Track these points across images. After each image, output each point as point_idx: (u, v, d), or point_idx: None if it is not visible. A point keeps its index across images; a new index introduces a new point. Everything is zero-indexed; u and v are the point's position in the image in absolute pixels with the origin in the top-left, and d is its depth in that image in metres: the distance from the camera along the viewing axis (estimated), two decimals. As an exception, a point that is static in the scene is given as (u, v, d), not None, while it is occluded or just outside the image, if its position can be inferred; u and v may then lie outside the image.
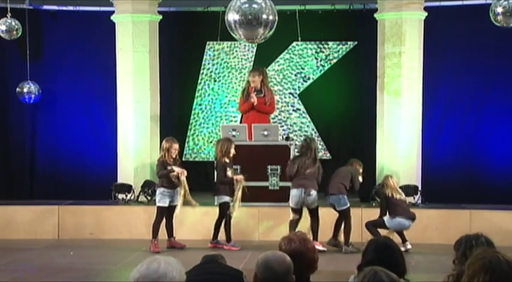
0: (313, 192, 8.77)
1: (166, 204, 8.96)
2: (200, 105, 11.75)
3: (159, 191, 9.01)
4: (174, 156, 9.07)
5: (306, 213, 8.91)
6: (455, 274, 3.93)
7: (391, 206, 8.92)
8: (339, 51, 11.52)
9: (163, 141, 9.17)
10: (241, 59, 11.65)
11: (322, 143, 11.52)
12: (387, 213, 8.94)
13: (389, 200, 8.93)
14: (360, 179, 9.12)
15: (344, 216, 8.93)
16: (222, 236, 9.10)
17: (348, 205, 8.93)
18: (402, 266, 3.72)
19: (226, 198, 9.03)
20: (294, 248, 3.65)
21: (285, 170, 9.11)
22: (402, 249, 8.25)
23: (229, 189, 9.04)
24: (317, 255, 3.75)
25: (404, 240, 8.79)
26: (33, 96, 10.99)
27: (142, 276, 2.71)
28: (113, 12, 10.71)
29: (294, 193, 8.79)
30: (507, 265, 2.99)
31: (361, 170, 9.20)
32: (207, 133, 11.71)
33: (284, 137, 10.29)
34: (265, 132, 9.81)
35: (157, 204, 9.00)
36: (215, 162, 9.22)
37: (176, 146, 9.09)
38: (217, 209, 9.10)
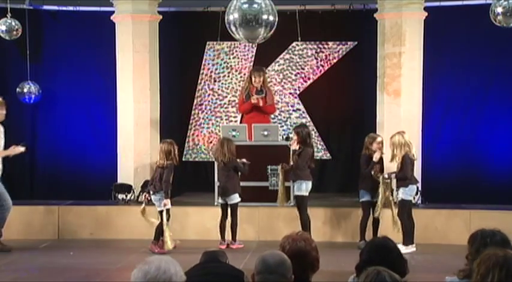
0: None
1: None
2: (200, 105, 11.75)
3: (161, 194, 8.81)
4: (178, 157, 9.02)
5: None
6: (467, 269, 3.89)
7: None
8: (339, 51, 11.52)
9: (167, 145, 8.86)
10: (241, 59, 11.65)
11: (322, 143, 11.53)
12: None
13: (412, 163, 8.73)
14: (376, 156, 8.92)
15: None
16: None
17: (361, 199, 9.01)
18: (400, 268, 3.69)
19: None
20: (298, 247, 3.66)
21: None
22: (407, 251, 8.31)
23: None
24: (319, 255, 3.76)
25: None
26: (33, 96, 10.99)
27: (153, 276, 2.71)
28: (113, 12, 10.71)
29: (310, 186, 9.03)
30: None
31: (373, 146, 8.96)
32: (207, 133, 11.71)
33: (284, 137, 10.29)
34: (265, 132, 9.81)
35: (167, 207, 8.80)
36: (224, 162, 9.01)
37: (176, 147, 9.07)
38: (218, 209, 9.11)
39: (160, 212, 8.84)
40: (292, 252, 3.59)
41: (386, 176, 8.86)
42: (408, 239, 8.69)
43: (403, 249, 8.39)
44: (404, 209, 8.75)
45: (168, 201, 8.75)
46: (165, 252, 8.56)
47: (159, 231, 8.80)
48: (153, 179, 8.95)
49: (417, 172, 10.20)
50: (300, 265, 3.51)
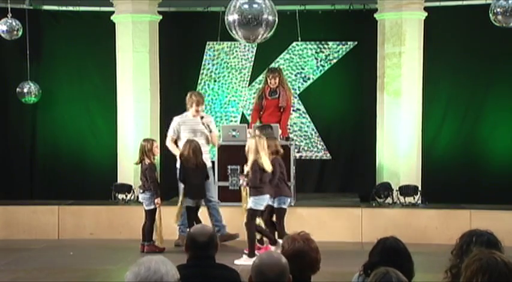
0: None
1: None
2: (200, 105, 11.73)
3: (150, 193, 8.78)
4: (157, 155, 9.03)
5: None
6: (450, 267, 3.93)
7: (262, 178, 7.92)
8: (339, 51, 11.52)
9: (150, 144, 8.85)
10: (241, 59, 11.64)
11: (322, 143, 11.52)
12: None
13: (261, 171, 7.89)
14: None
15: None
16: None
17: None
18: (408, 272, 3.69)
19: None
20: (297, 247, 3.65)
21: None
22: (247, 263, 7.34)
23: None
24: (320, 256, 3.76)
25: (281, 235, 8.07)
26: (33, 96, 10.99)
27: (143, 278, 2.70)
28: (113, 12, 10.72)
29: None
30: (505, 266, 3.00)
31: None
32: (207, 133, 11.69)
33: (284, 137, 10.27)
34: (265, 132, 9.77)
35: (151, 207, 8.80)
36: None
37: (157, 144, 9.04)
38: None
39: (148, 211, 8.85)
40: (290, 252, 3.59)
41: (240, 181, 8.40)
42: (252, 251, 8.02)
43: (244, 260, 7.81)
44: (251, 218, 8.09)
45: (159, 200, 8.76)
46: (163, 249, 8.64)
47: (150, 231, 8.82)
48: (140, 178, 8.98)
49: (417, 172, 10.23)
50: (298, 265, 3.51)
